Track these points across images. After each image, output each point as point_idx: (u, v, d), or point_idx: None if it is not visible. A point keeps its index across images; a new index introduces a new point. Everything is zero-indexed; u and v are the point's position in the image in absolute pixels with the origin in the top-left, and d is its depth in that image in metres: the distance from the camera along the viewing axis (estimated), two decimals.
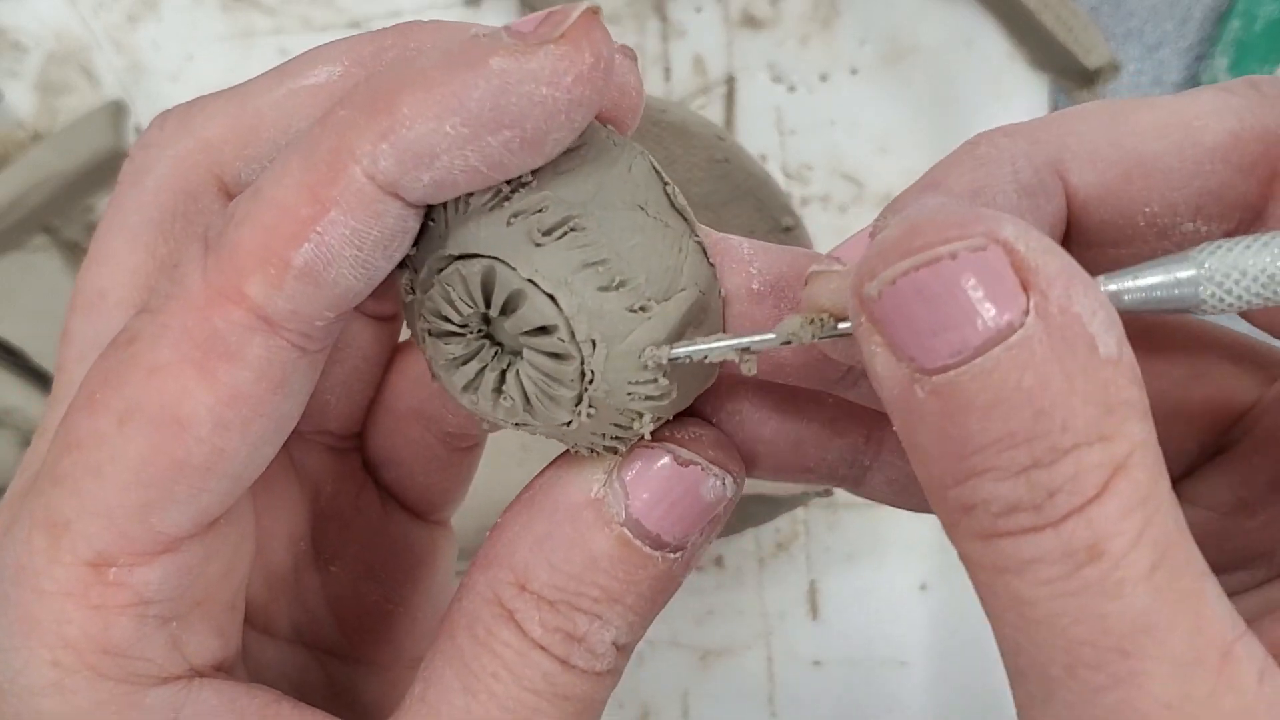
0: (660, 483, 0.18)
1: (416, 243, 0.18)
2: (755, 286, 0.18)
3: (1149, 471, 0.14)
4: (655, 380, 0.18)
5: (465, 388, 0.18)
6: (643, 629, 0.18)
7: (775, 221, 0.35)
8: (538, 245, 0.17)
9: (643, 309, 0.17)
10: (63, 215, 0.36)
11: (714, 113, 0.39)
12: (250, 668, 0.19)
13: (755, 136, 0.39)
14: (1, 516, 0.18)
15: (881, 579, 0.40)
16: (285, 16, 0.38)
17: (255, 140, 0.19)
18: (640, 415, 0.18)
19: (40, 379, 0.37)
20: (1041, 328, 0.14)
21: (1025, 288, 0.14)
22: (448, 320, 0.18)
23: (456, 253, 0.17)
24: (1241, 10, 0.42)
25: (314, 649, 0.22)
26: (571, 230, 0.17)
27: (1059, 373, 0.14)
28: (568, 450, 0.19)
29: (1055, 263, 0.14)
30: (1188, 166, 0.18)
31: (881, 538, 0.41)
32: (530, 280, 0.17)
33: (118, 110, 0.36)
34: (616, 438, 0.18)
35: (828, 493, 0.39)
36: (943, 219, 0.15)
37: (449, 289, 0.17)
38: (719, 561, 0.40)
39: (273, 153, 0.19)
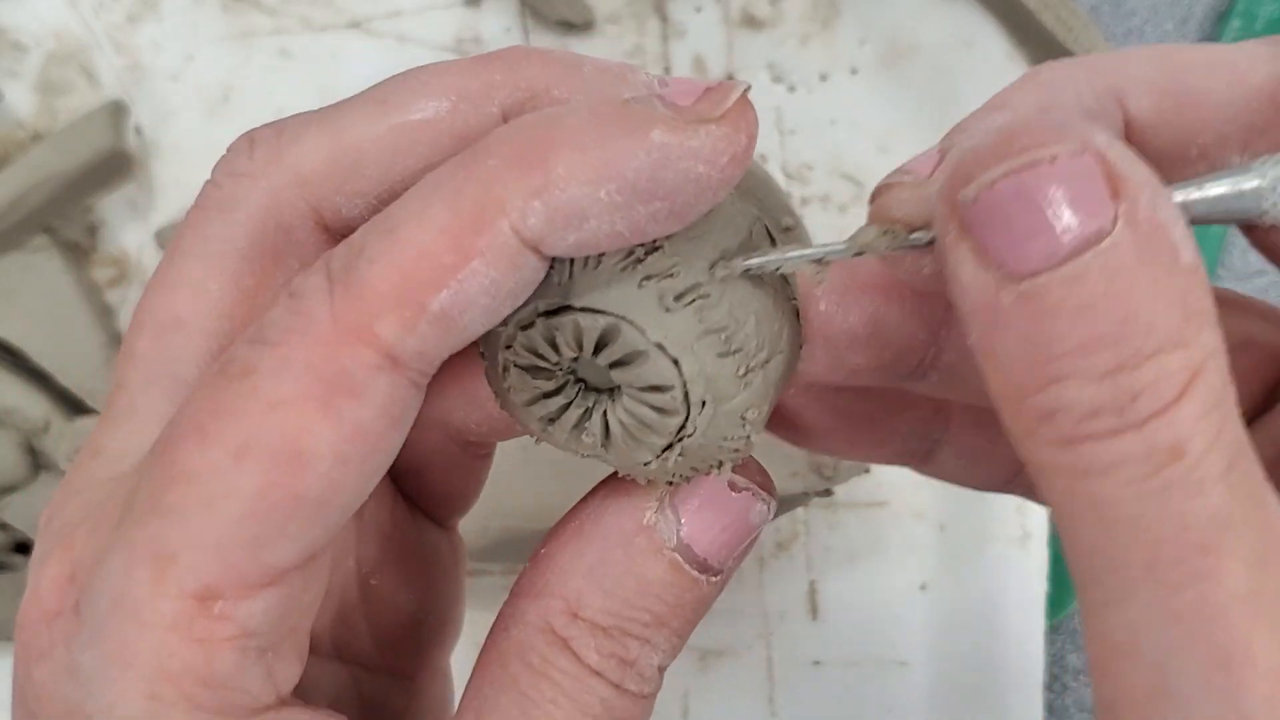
0: (714, 509, 0.19)
1: None
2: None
3: (1221, 377, 0.15)
4: (748, 436, 0.19)
5: (545, 420, 0.19)
6: (680, 650, 0.19)
7: (775, 221, 0.35)
8: (667, 311, 0.18)
9: (749, 371, 0.18)
10: (63, 215, 0.36)
11: None
12: (300, 687, 0.20)
13: None
14: (86, 544, 0.18)
15: (882, 579, 0.41)
16: (285, 17, 0.38)
17: (357, 177, 0.19)
18: (721, 464, 0.19)
19: (40, 379, 0.37)
20: (1130, 235, 0.15)
21: (1115, 196, 0.15)
22: (542, 358, 0.18)
23: (580, 305, 0.18)
24: (1242, 10, 0.42)
25: (349, 663, 0.23)
26: (700, 298, 0.18)
27: (1145, 279, 0.15)
28: (613, 475, 0.20)
29: (1141, 172, 0.15)
30: (1236, 102, 0.19)
31: (882, 538, 0.41)
32: (658, 344, 0.18)
33: (118, 110, 0.36)
34: (686, 477, 0.19)
35: (828, 493, 0.39)
36: (1039, 126, 0.15)
37: (556, 333, 0.18)
38: None
39: (378, 189, 0.19)
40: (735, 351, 0.18)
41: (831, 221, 0.39)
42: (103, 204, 0.38)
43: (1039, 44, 0.37)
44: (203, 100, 0.38)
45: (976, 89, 0.38)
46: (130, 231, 0.39)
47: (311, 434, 0.16)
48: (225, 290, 0.19)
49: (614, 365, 0.18)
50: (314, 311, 0.16)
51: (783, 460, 0.37)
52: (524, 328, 0.18)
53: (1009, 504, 0.39)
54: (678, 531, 0.19)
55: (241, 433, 0.16)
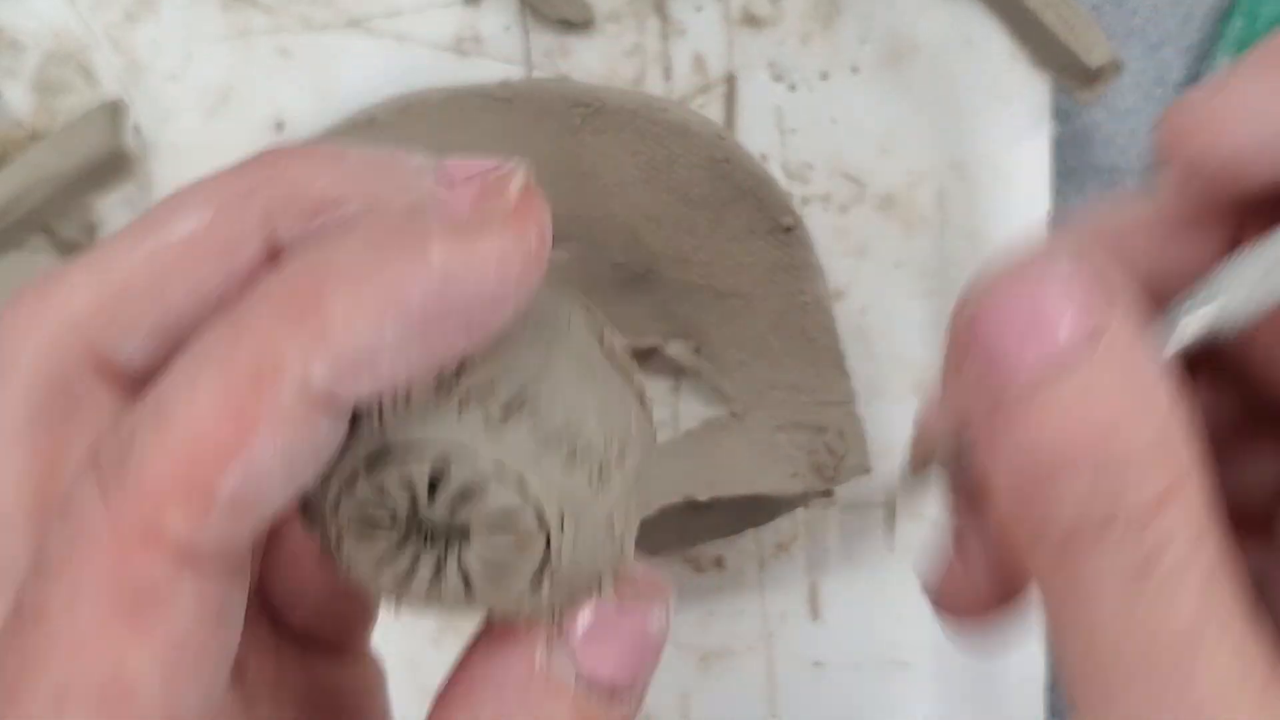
0: (607, 634, 0.17)
1: None
2: None
3: (1200, 492, 0.16)
4: (621, 547, 0.17)
5: (397, 584, 0.17)
6: None
7: (775, 221, 0.35)
8: (495, 430, 0.16)
9: (602, 474, 0.17)
10: (61, 214, 0.36)
11: (714, 112, 0.39)
12: None
13: (756, 135, 0.39)
14: None
15: (883, 580, 0.40)
16: (284, 15, 0.38)
17: (126, 310, 0.17)
18: (600, 583, 0.17)
19: None
20: (1110, 353, 0.16)
21: (1094, 317, 0.16)
22: (376, 521, 0.16)
23: (397, 446, 0.16)
24: (1244, 9, 0.42)
25: None
26: (528, 406, 0.16)
27: (1124, 396, 0.16)
28: (488, 624, 0.18)
29: (1125, 295, 0.16)
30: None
31: (882, 538, 0.41)
32: (495, 471, 0.16)
33: (116, 109, 0.36)
34: (566, 607, 0.17)
35: (828, 493, 0.39)
36: (1034, 251, 0.16)
37: (384, 483, 0.16)
38: (719, 562, 0.40)
39: (150, 322, 0.17)
40: (583, 457, 0.17)
41: (832, 221, 0.39)
42: (101, 203, 0.38)
43: (1040, 43, 0.37)
44: (202, 99, 0.38)
45: (978, 87, 0.38)
46: None
47: (130, 660, 0.14)
48: (25, 464, 0.17)
49: (455, 505, 0.16)
50: (90, 525, 0.14)
51: (783, 460, 0.37)
52: (347, 485, 0.16)
53: None
54: (574, 668, 0.17)
55: (54, 681, 0.14)
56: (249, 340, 0.15)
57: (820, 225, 0.39)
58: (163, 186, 0.38)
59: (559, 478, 0.16)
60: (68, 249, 0.38)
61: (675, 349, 0.37)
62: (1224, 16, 0.43)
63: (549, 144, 0.35)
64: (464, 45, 0.39)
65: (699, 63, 0.39)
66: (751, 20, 0.39)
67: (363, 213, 0.16)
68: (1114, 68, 0.37)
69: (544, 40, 0.39)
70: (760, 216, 0.35)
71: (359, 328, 0.14)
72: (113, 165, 0.36)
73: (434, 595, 0.17)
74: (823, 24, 0.39)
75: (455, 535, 0.17)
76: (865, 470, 0.37)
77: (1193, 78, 0.44)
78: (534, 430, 0.16)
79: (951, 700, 0.40)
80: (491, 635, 0.18)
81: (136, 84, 0.38)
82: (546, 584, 0.17)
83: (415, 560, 0.17)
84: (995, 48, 0.38)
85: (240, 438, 0.14)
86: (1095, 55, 0.36)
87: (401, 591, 0.17)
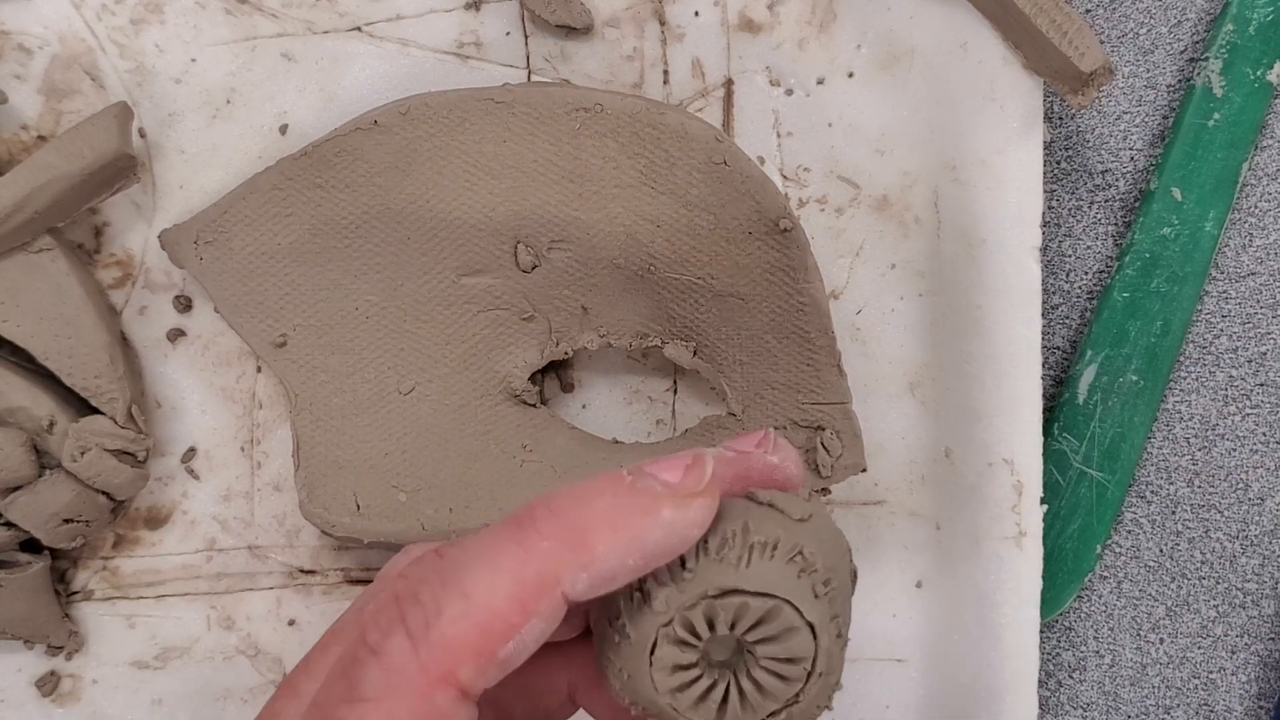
0: None
1: (615, 620, 0.23)
2: None
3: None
4: (830, 706, 0.23)
5: (676, 689, 0.22)
6: None
7: (773, 224, 0.36)
8: (816, 597, 0.22)
9: (845, 646, 0.23)
10: (67, 217, 0.37)
11: (712, 115, 0.39)
12: None
13: (753, 139, 0.40)
14: None
15: (878, 577, 0.41)
16: (288, 20, 0.39)
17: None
18: (836, 686, 0.23)
19: (44, 379, 0.37)
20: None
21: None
22: (696, 635, 0.22)
23: (751, 589, 0.22)
24: (1235, 13, 0.42)
25: None
26: (832, 589, 0.23)
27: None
28: None
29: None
30: None
31: (878, 536, 0.41)
32: (809, 624, 0.22)
33: (122, 113, 0.36)
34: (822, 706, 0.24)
35: (825, 491, 0.40)
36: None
37: (719, 613, 0.22)
38: None
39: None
40: (843, 630, 0.23)
41: (828, 223, 0.40)
42: (107, 206, 0.39)
43: (1033, 48, 0.37)
44: (206, 103, 0.39)
45: (972, 92, 0.39)
46: (135, 233, 0.39)
47: None
48: None
49: (759, 641, 0.22)
50: (403, 668, 0.21)
51: None
52: (667, 623, 0.22)
53: (1005, 503, 0.39)
54: None
55: None
56: (538, 560, 0.21)
57: (816, 227, 0.40)
58: (168, 189, 0.39)
59: (833, 644, 0.23)
60: (74, 250, 0.38)
61: (674, 349, 0.38)
62: (1214, 21, 0.44)
63: (549, 147, 0.36)
64: (465, 50, 0.39)
65: (697, 67, 0.39)
66: (749, 25, 0.39)
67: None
68: (1107, 72, 0.37)
69: (544, 45, 0.39)
70: (758, 218, 0.35)
71: (614, 560, 0.21)
72: (118, 168, 0.36)
73: (696, 708, 0.23)
74: (819, 29, 0.39)
75: (732, 667, 0.23)
76: (861, 468, 0.37)
77: (1183, 81, 0.44)
78: (831, 605, 0.23)
79: (946, 696, 0.41)
80: None
81: (142, 88, 0.38)
82: (811, 690, 0.23)
83: (713, 685, 0.23)
84: (989, 53, 0.38)
85: (521, 621, 0.21)
86: (1088, 60, 0.36)
87: (676, 696, 0.22)
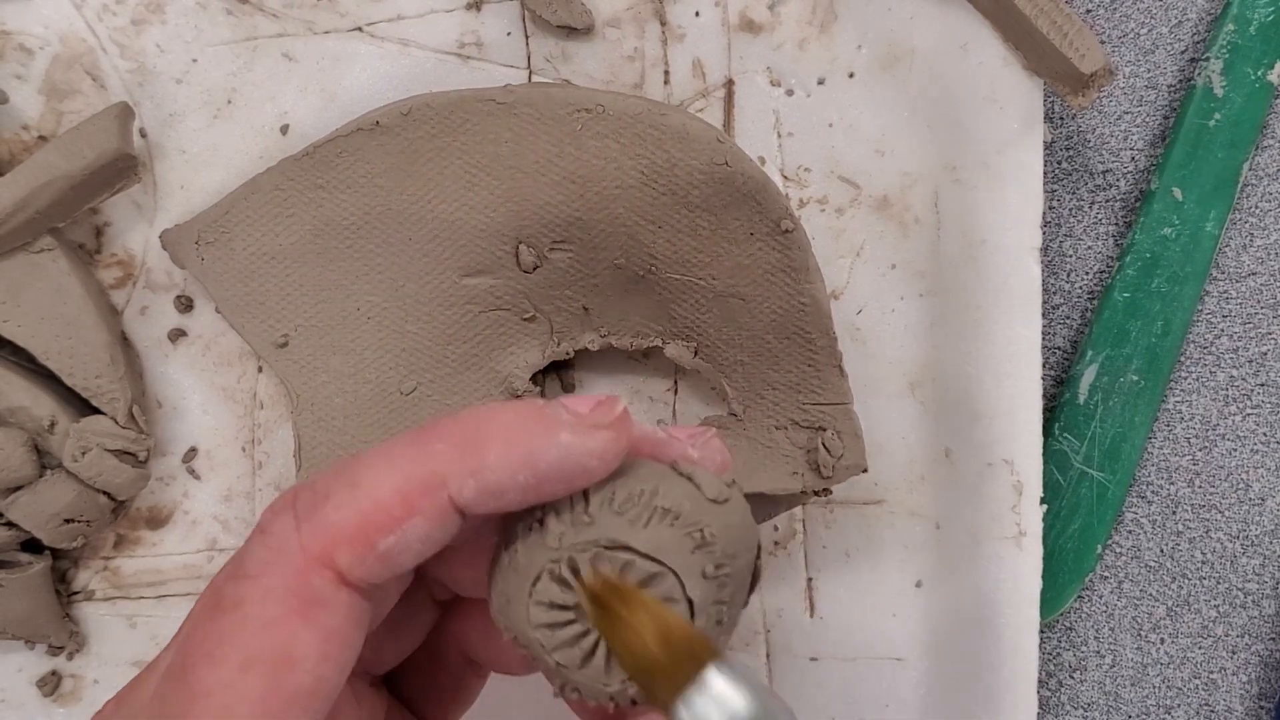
0: None
1: (509, 545, 0.23)
2: None
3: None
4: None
5: (548, 626, 0.22)
6: None
7: (774, 224, 0.36)
8: (705, 578, 0.22)
9: (725, 623, 0.23)
10: (68, 217, 0.37)
11: (713, 115, 0.39)
12: None
13: (754, 139, 0.40)
14: None
15: (878, 576, 0.41)
16: (289, 20, 0.39)
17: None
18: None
19: (45, 378, 0.37)
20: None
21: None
22: (576, 578, 0.22)
23: (642, 550, 0.22)
24: (1236, 13, 0.42)
25: None
26: (726, 574, 0.23)
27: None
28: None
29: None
30: None
31: (878, 536, 0.41)
32: (688, 599, 0.22)
33: (123, 113, 0.36)
34: (635, 700, 0.23)
35: (826, 491, 0.40)
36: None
37: (604, 563, 0.22)
38: None
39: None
40: (725, 619, 0.23)
41: (829, 223, 0.40)
42: (108, 206, 0.39)
43: (1034, 49, 0.37)
44: (207, 103, 0.39)
45: (972, 92, 0.39)
46: (136, 233, 0.39)
47: (298, 641, 0.21)
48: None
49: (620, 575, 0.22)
50: (285, 547, 0.21)
51: (782, 459, 0.37)
52: (578, 551, 0.22)
53: (1004, 503, 0.39)
54: None
55: (243, 651, 0.21)
56: (428, 460, 0.22)
57: (817, 227, 0.40)
58: (169, 189, 0.39)
59: (710, 626, 0.23)
60: (75, 250, 0.38)
61: (675, 349, 0.38)
62: (1215, 22, 0.44)
63: (550, 147, 0.36)
64: (466, 50, 0.39)
65: (698, 68, 0.39)
66: (750, 26, 0.39)
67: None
68: (1107, 73, 0.37)
69: (545, 45, 0.39)
70: (759, 219, 0.35)
71: (502, 471, 0.22)
72: (119, 168, 0.36)
73: (564, 649, 0.22)
74: (820, 30, 0.39)
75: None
76: (862, 469, 0.37)
77: (1184, 81, 0.44)
78: (719, 588, 0.23)
79: (945, 695, 0.41)
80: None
81: (143, 88, 0.38)
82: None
83: (571, 620, 0.22)
84: (989, 53, 0.38)
85: (404, 515, 0.21)
86: (1088, 61, 0.36)
87: (547, 632, 0.22)
